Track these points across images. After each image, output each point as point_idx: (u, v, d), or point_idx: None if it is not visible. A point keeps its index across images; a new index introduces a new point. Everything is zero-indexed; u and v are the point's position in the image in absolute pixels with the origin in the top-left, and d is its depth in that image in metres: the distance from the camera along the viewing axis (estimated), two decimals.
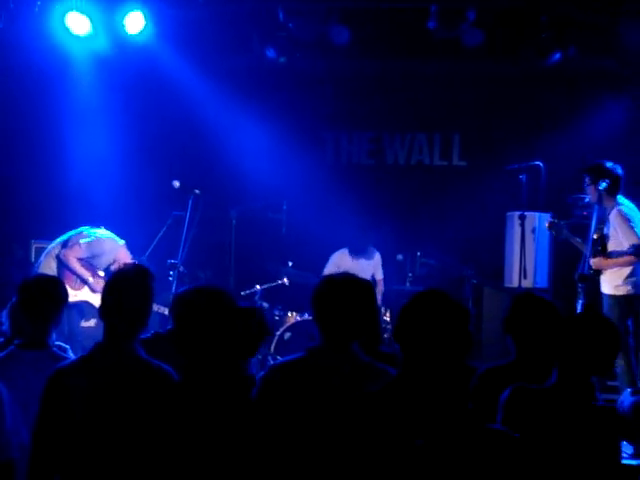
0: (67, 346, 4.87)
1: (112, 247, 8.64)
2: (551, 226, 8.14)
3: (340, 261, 10.13)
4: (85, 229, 8.70)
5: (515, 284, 8.51)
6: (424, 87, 10.65)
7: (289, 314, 9.36)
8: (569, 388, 3.76)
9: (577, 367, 3.80)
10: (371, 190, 10.65)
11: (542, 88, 10.26)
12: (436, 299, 3.42)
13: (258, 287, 9.32)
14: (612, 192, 7.65)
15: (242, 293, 9.19)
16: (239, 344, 3.49)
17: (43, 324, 4.56)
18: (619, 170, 7.74)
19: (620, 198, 7.74)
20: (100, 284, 8.42)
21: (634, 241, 7.43)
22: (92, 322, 8.60)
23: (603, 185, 7.55)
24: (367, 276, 9.75)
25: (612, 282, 7.67)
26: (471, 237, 10.15)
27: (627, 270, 7.60)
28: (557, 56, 9.41)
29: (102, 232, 8.74)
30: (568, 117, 10.23)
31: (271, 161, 10.45)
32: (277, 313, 9.43)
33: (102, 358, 3.94)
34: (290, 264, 9.69)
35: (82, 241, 8.54)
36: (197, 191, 8.47)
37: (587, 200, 8.35)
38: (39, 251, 9.00)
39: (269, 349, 9.00)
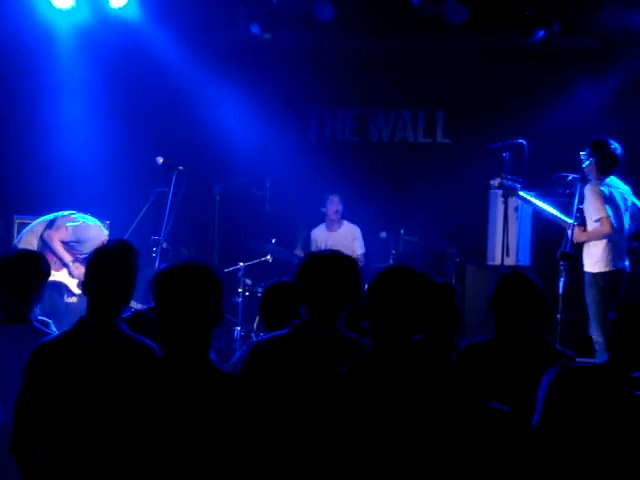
0: (49, 321, 4.86)
1: (97, 234, 8.56)
2: (501, 185, 8.23)
3: (317, 236, 10.16)
4: (72, 212, 8.66)
5: (498, 262, 8.53)
6: (408, 64, 10.63)
7: None
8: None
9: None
10: (355, 167, 10.64)
11: (526, 66, 10.26)
12: (401, 275, 3.42)
13: (241, 264, 9.31)
14: (602, 170, 7.79)
15: (225, 270, 9.18)
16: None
17: (25, 299, 4.55)
18: (618, 151, 7.81)
19: (610, 179, 7.85)
20: (79, 269, 8.38)
21: (601, 214, 7.61)
22: (74, 298, 8.59)
23: (590, 161, 7.72)
24: (346, 248, 9.81)
25: (590, 259, 7.77)
26: (454, 215, 10.19)
27: (601, 246, 7.71)
28: (541, 33, 9.41)
29: (90, 218, 8.69)
30: (552, 95, 10.24)
31: (255, 138, 10.44)
32: (260, 290, 9.42)
33: (85, 333, 3.93)
34: (273, 241, 9.69)
35: (69, 224, 8.49)
36: (181, 167, 8.46)
37: (570, 178, 8.38)
38: (22, 226, 8.95)
39: (252, 326, 9.01)
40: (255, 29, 9.76)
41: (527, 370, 4.12)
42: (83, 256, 8.44)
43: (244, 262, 9.36)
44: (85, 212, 8.75)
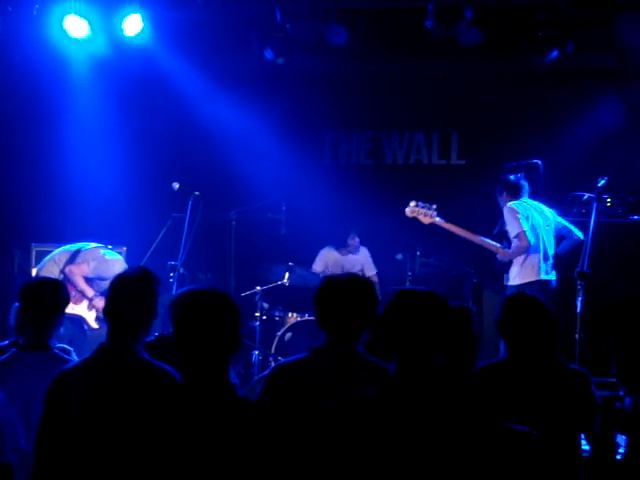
0: (70, 348, 4.88)
1: (119, 270, 8.46)
2: (413, 212, 8.55)
3: (328, 257, 10.19)
4: (96, 247, 8.63)
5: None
6: (422, 86, 10.65)
7: (289, 314, 9.36)
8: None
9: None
10: (370, 189, 10.64)
11: (540, 86, 10.26)
12: (417, 297, 3.39)
13: (258, 288, 9.32)
14: (511, 195, 8.38)
15: (242, 294, 9.19)
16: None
17: (44, 326, 4.58)
18: (516, 180, 8.45)
19: (525, 200, 8.35)
20: (101, 303, 8.35)
21: (518, 230, 8.05)
22: (95, 325, 8.57)
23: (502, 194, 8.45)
24: (357, 269, 9.86)
25: (511, 274, 8.24)
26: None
27: (520, 260, 8.13)
28: (555, 54, 9.40)
29: (112, 254, 8.64)
30: (566, 114, 10.24)
31: (270, 161, 10.46)
32: (277, 314, 9.43)
33: (105, 360, 3.95)
34: (290, 264, 9.69)
35: (92, 261, 8.46)
36: (196, 193, 8.49)
37: (586, 197, 8.40)
38: (39, 254, 8.98)
39: (270, 349, 9.01)
40: (268, 54, 9.79)
41: (540, 390, 4.12)
42: (103, 290, 8.41)
43: (261, 286, 9.37)
44: (102, 238, 8.76)
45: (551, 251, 8.25)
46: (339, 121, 11.20)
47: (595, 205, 7.68)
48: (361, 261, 10.20)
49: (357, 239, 10.21)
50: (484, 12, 9.22)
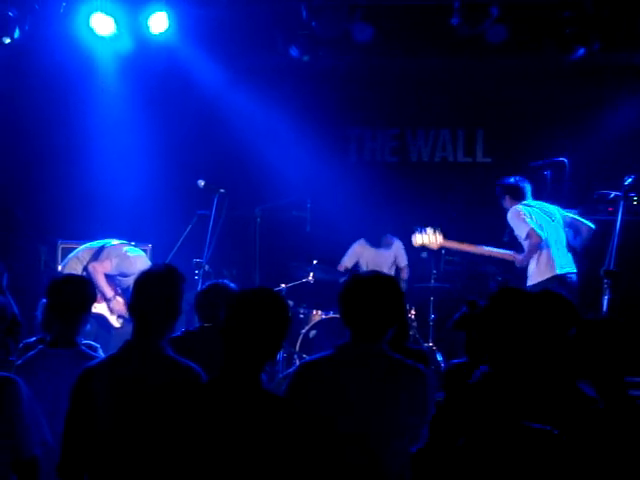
0: (97, 345, 4.91)
1: (142, 267, 8.44)
2: (417, 242, 8.62)
3: (360, 251, 10.17)
4: (119, 243, 8.65)
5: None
6: (447, 83, 10.63)
7: (314, 312, 9.36)
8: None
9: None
10: (395, 187, 10.63)
11: (566, 83, 10.21)
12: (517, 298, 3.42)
13: (283, 285, 9.32)
14: (514, 199, 8.36)
15: None
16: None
17: (71, 323, 4.61)
18: (513, 181, 8.43)
19: (528, 201, 8.32)
20: (119, 305, 8.40)
21: (527, 229, 8.05)
22: (117, 324, 8.59)
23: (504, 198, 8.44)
24: (389, 265, 9.83)
25: (529, 273, 8.22)
26: (495, 233, 10.11)
27: (534, 260, 8.13)
28: (581, 51, 9.34)
29: (135, 250, 8.67)
30: (592, 112, 10.18)
31: (295, 159, 10.45)
32: (302, 311, 9.44)
33: (131, 357, 3.97)
34: (315, 262, 9.69)
35: (114, 258, 8.48)
36: (222, 190, 8.50)
37: (612, 196, 8.34)
38: (65, 251, 9.03)
39: (294, 347, 9.01)
40: (294, 52, 9.79)
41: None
42: (125, 286, 8.43)
43: (285, 283, 9.37)
44: (127, 235, 8.79)
45: (564, 245, 8.25)
46: (364, 118, 11.19)
47: (622, 203, 7.61)
48: (394, 254, 10.17)
49: (392, 238, 10.19)
50: (510, 10, 9.18)
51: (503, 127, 10.79)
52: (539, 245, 8.09)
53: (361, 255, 10.18)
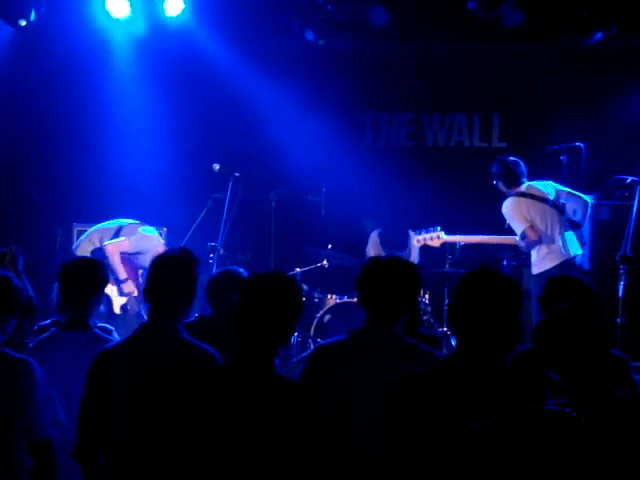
0: (112, 328, 4.92)
1: (157, 245, 8.43)
2: (420, 242, 8.71)
3: (375, 242, 10.08)
4: (135, 222, 8.67)
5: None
6: (464, 68, 10.57)
7: (328, 296, 9.35)
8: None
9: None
10: (410, 172, 10.59)
11: (583, 68, 10.13)
12: (490, 278, 3.41)
13: (298, 270, 9.32)
14: (508, 184, 8.29)
15: None
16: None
17: (84, 306, 4.62)
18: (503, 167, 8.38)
19: (526, 186, 8.27)
20: (129, 288, 8.38)
21: (522, 227, 8.07)
22: (118, 311, 8.57)
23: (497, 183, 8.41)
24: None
25: (532, 263, 8.23)
26: None
27: (535, 250, 8.15)
28: (599, 35, 9.29)
29: (149, 229, 8.66)
30: (610, 97, 10.11)
31: (310, 143, 10.42)
32: (316, 295, 9.43)
33: (146, 340, 3.98)
34: (329, 246, 9.69)
35: (132, 236, 8.45)
36: (237, 174, 8.52)
37: (629, 181, 8.31)
38: (80, 234, 9.05)
39: (309, 331, 9.02)
40: (310, 36, 9.77)
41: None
42: (142, 271, 8.42)
43: (300, 268, 9.37)
44: (143, 219, 8.80)
45: (564, 227, 8.20)
46: (380, 103, 11.15)
47: (638, 189, 7.60)
48: (406, 254, 10.05)
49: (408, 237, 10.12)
50: None
51: (519, 112, 10.73)
52: (537, 242, 8.09)
53: (377, 244, 10.08)
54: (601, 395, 3.24)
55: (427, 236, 8.58)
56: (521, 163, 8.38)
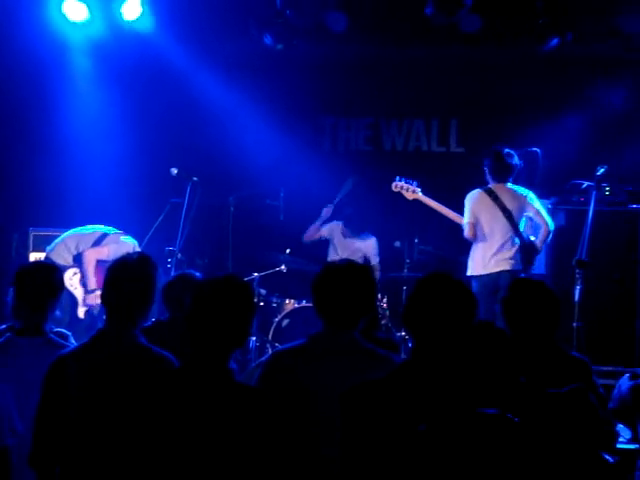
0: (69, 333, 4.88)
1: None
2: (396, 187, 8.83)
3: (333, 231, 10.06)
4: (116, 232, 8.59)
5: None
6: (422, 73, 10.62)
7: (287, 301, 9.36)
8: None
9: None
10: (369, 176, 10.62)
11: (540, 74, 10.23)
12: (444, 282, 3.44)
13: (256, 274, 9.31)
14: (492, 176, 8.35)
15: None
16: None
17: (39, 311, 4.56)
18: (508, 159, 8.32)
19: (498, 186, 8.28)
20: (94, 300, 8.27)
21: (465, 220, 8.28)
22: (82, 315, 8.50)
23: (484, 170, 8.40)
24: (358, 256, 9.72)
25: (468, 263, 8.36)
26: None
27: (473, 251, 8.29)
28: (555, 41, 9.37)
29: (130, 239, 8.59)
30: (565, 103, 10.22)
31: (269, 147, 10.42)
32: (275, 300, 9.43)
33: (103, 345, 3.95)
34: (288, 251, 9.70)
35: (112, 244, 8.38)
36: (195, 178, 8.49)
37: (585, 186, 8.40)
38: (37, 239, 8.98)
39: (267, 336, 9.01)
40: (268, 40, 9.76)
41: (540, 376, 4.11)
42: None
43: (259, 272, 9.36)
44: (101, 223, 8.73)
45: (511, 244, 8.16)
46: (338, 107, 11.17)
47: (594, 194, 7.69)
48: (364, 249, 10.05)
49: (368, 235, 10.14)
50: None
51: (477, 117, 10.80)
52: (472, 239, 8.23)
53: (332, 234, 10.05)
54: (534, 394, 3.28)
55: (405, 185, 8.68)
56: (515, 155, 8.38)
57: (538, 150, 8.66)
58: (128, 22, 9.32)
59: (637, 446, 5.32)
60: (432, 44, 9.92)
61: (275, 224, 9.74)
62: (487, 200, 8.20)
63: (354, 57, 10.53)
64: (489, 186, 8.30)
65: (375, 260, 9.99)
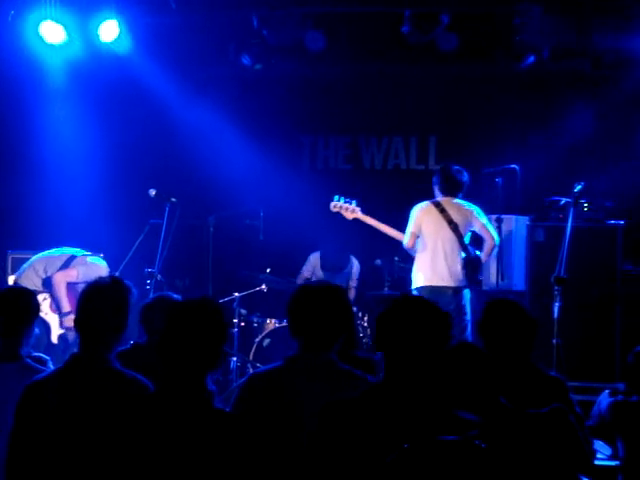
0: (47, 357, 4.84)
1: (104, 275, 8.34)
2: (335, 207, 8.70)
3: (314, 268, 10.15)
4: (83, 254, 8.54)
5: (493, 287, 8.56)
6: (400, 91, 10.67)
7: (268, 321, 9.33)
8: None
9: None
10: (348, 195, 10.59)
11: (517, 91, 10.29)
12: (414, 304, 3.44)
13: (236, 294, 9.29)
14: (440, 190, 8.39)
15: (220, 300, 9.14)
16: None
17: (15, 336, 4.53)
18: (454, 173, 8.40)
19: (446, 200, 8.31)
20: (70, 323, 8.20)
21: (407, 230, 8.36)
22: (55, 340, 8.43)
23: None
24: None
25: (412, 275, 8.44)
26: None
27: (414, 265, 8.37)
28: (531, 59, 9.44)
29: (98, 260, 8.57)
30: (543, 120, 10.28)
31: (248, 167, 10.42)
32: (256, 320, 9.41)
33: (76, 370, 3.92)
34: (268, 270, 9.69)
35: (81, 266, 8.35)
36: (173, 199, 8.45)
37: (563, 202, 8.42)
38: (15, 261, 8.92)
39: (248, 356, 8.98)
40: (245, 60, 9.78)
41: (517, 396, 4.11)
42: None
43: (239, 292, 9.34)
44: (79, 245, 8.71)
45: (454, 256, 8.20)
46: (317, 126, 11.19)
47: (572, 210, 7.69)
48: (345, 277, 10.09)
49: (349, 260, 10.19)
50: (461, 17, 9.27)
51: (455, 134, 10.84)
52: (410, 250, 8.35)
53: (314, 268, 10.17)
54: (514, 415, 3.27)
55: (344, 205, 8.62)
56: (464, 173, 8.42)
57: (517, 167, 8.67)
58: (105, 44, 9.31)
59: (617, 463, 5.31)
60: (409, 62, 9.98)
61: (255, 244, 9.71)
62: (434, 211, 8.24)
63: (332, 76, 10.57)
64: (437, 199, 8.34)
65: (353, 284, 10.05)
